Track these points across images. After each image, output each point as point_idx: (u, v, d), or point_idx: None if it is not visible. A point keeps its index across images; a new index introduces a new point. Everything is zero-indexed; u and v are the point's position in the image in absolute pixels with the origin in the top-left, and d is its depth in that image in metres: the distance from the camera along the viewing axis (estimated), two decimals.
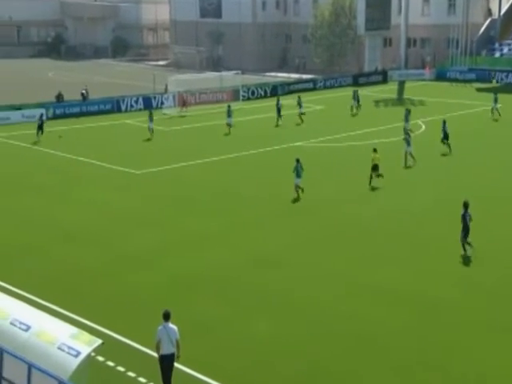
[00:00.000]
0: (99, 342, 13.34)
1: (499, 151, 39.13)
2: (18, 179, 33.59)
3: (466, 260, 22.53)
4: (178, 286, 20.81)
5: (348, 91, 56.44)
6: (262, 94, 62.91)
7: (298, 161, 29.63)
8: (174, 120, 50.93)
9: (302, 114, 49.37)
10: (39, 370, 12.52)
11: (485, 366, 16.27)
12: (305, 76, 77.36)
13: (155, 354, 15.00)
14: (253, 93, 62.37)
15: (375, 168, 31.01)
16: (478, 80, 71.28)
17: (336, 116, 52.26)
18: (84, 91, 55.00)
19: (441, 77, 74.84)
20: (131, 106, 55.08)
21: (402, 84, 71.43)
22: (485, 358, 16.60)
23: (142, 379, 15.56)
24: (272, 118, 48.65)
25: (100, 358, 15.88)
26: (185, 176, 34.04)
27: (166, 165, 36.00)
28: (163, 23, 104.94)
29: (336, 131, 45.05)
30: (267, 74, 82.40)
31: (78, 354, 12.81)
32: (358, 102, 53.38)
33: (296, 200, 29.24)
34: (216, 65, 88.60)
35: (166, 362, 14.74)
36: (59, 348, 12.92)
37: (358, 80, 72.66)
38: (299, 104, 49.44)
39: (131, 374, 15.77)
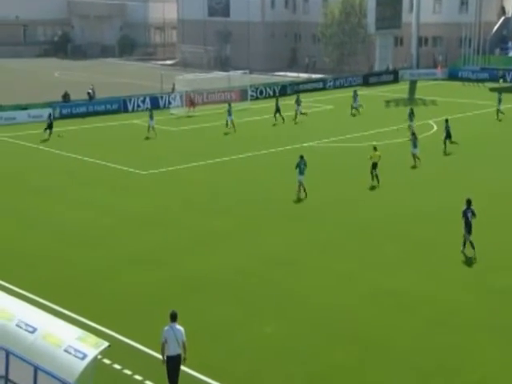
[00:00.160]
0: (106, 344, 13.24)
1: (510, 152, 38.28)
2: (23, 179, 33.33)
3: (477, 262, 22.25)
4: (187, 288, 20.51)
5: (358, 91, 55.49)
6: (271, 93, 61.86)
7: (301, 157, 29.53)
8: (182, 120, 50.35)
9: (302, 113, 48.32)
10: (45, 372, 12.52)
11: (501, 370, 15.88)
12: (314, 75, 76.41)
13: (161, 357, 14.72)
14: (261, 92, 61.50)
15: (375, 166, 31.39)
16: (490, 79, 70.48)
17: (345, 116, 51.37)
18: (90, 90, 54.40)
19: (453, 76, 74.04)
20: (138, 105, 54.31)
21: (413, 84, 70.41)
22: (502, 361, 16.22)
23: (148, 382, 15.37)
24: (280, 118, 48.01)
25: (106, 361, 15.73)
26: (193, 177, 33.58)
27: (174, 165, 35.52)
28: (171, 22, 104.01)
29: (346, 131, 44.39)
30: (276, 73, 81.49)
31: (85, 356, 12.78)
32: (356, 101, 51.60)
33: (301, 200, 29.04)
34: (224, 64, 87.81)
35: (172, 364, 14.56)
36: (65, 350, 12.90)
37: (369, 80, 71.70)
38: (297, 102, 48.39)
39: (138, 377, 15.60)
